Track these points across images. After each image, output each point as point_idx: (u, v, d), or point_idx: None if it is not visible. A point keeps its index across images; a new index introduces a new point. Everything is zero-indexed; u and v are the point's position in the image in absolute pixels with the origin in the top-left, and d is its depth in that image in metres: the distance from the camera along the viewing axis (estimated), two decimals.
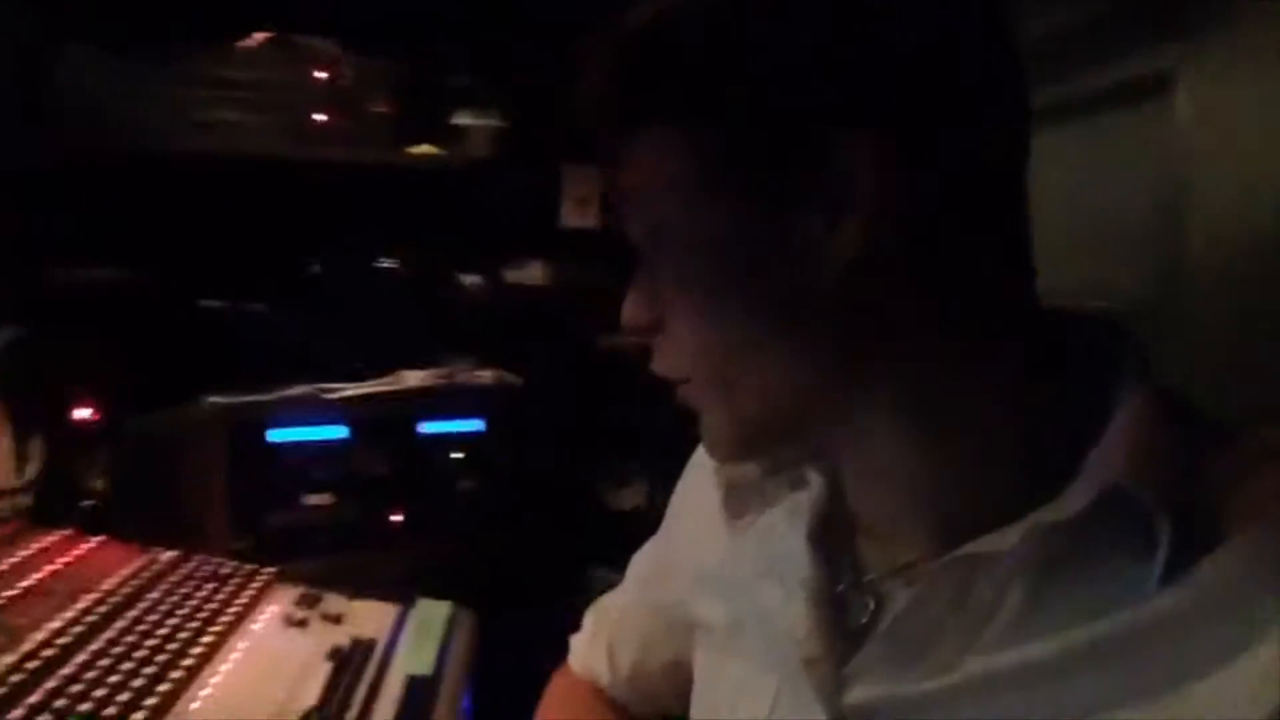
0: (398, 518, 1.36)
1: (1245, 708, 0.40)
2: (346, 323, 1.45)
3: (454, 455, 1.41)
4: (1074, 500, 0.45)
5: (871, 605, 0.55)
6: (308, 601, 1.04)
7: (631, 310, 0.56)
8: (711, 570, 0.69)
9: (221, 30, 1.49)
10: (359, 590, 1.09)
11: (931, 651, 0.50)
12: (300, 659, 0.89)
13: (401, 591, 1.11)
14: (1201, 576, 0.42)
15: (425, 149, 1.52)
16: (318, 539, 1.29)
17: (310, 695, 0.82)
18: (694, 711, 0.69)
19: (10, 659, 0.75)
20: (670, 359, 0.55)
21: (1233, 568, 0.42)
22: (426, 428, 1.39)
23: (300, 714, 0.79)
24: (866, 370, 0.49)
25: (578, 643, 0.88)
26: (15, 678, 0.73)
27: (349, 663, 0.90)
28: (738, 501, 0.66)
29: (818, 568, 0.57)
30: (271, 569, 1.07)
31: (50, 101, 1.36)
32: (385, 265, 1.55)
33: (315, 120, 1.47)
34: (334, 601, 1.05)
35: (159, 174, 1.38)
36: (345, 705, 0.82)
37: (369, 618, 1.03)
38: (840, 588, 0.57)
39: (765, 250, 0.49)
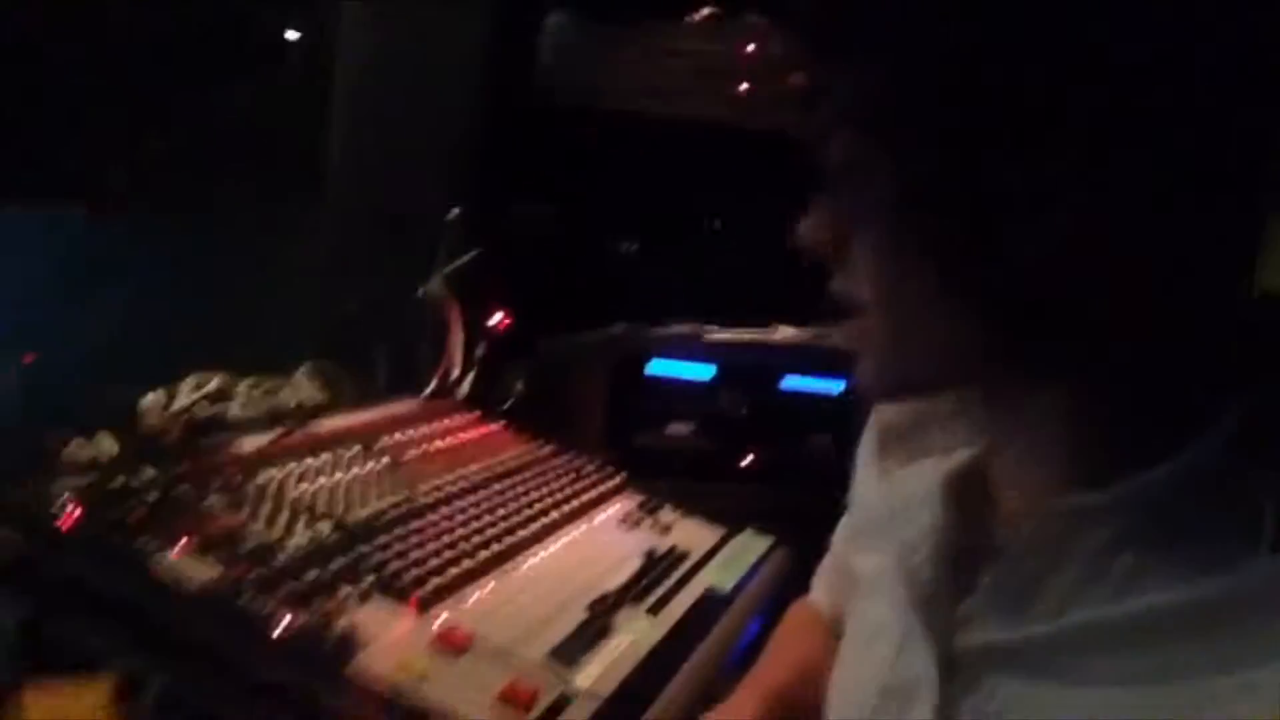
0: (749, 459, 1.48)
1: None
2: (739, 274, 1.58)
3: (812, 410, 1.49)
4: (1178, 466, 0.45)
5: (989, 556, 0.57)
6: (647, 508, 1.19)
7: (811, 231, 0.57)
8: (862, 521, 0.72)
9: (674, 3, 1.67)
10: (696, 510, 1.23)
11: (1037, 600, 0.51)
12: (621, 552, 1.05)
13: (734, 521, 1.23)
14: None
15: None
16: (673, 463, 1.45)
17: (615, 581, 0.97)
18: (838, 661, 0.72)
19: (403, 496, 0.98)
20: (852, 284, 0.55)
21: None
22: (789, 381, 1.49)
23: (601, 593, 0.93)
24: (1035, 354, 0.50)
25: (816, 573, 0.94)
26: (403, 509, 0.95)
27: (659, 564, 1.03)
28: (889, 447, 0.68)
29: (948, 515, 0.59)
30: (625, 475, 1.25)
31: (529, 62, 1.63)
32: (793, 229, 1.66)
33: (740, 89, 1.60)
34: (669, 514, 1.19)
35: (602, 128, 1.59)
36: (645, 593, 0.96)
37: (695, 534, 1.16)
38: (973, 546, 0.58)
39: (964, 217, 0.49)
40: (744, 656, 0.97)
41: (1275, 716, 0.41)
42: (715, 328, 1.47)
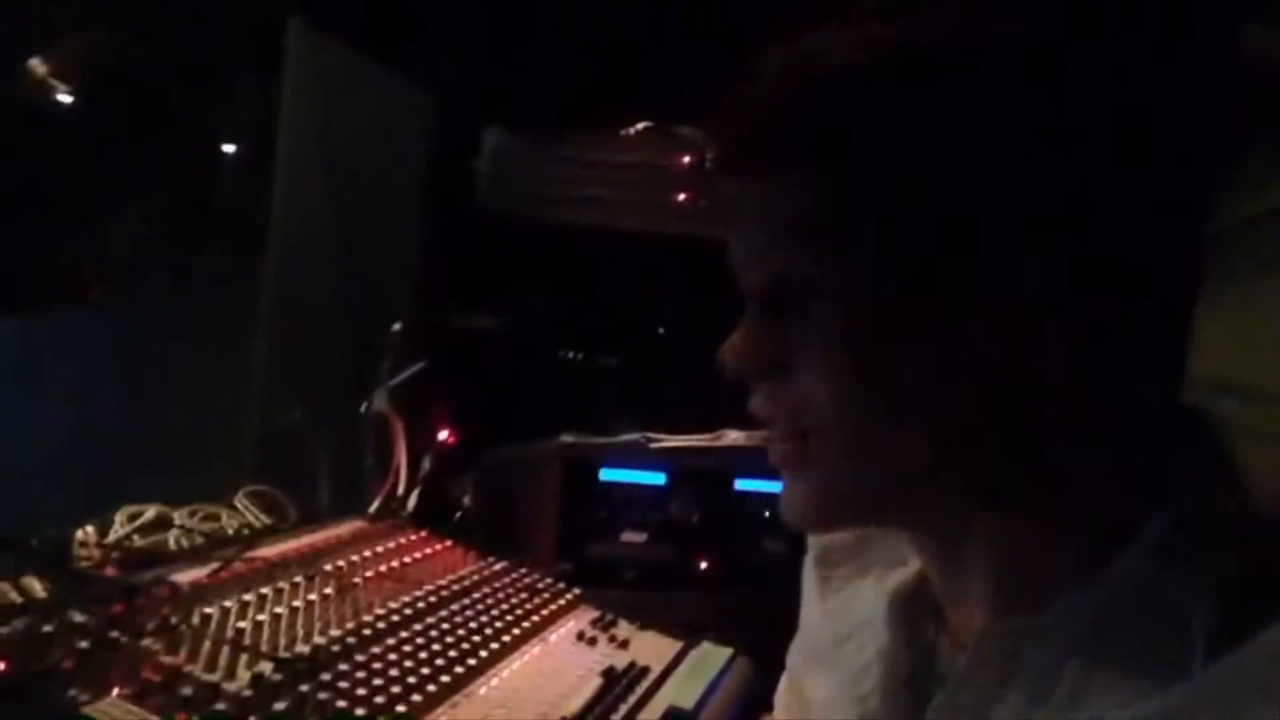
0: (704, 565, 1.46)
1: None
2: (684, 381, 1.58)
3: (764, 513, 1.48)
4: (1108, 584, 0.46)
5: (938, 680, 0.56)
6: (602, 624, 1.16)
7: (741, 351, 0.57)
8: (811, 643, 0.72)
9: (609, 118, 1.71)
10: (652, 624, 1.20)
11: None
12: (579, 671, 1.01)
13: (692, 632, 1.20)
14: (1229, 666, 0.43)
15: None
16: (629, 573, 1.43)
17: (576, 704, 0.94)
18: None
19: (351, 625, 0.94)
20: (789, 406, 0.55)
21: (1257, 659, 0.42)
22: (741, 484, 1.49)
23: (561, 716, 0.90)
24: (988, 461, 0.51)
25: (777, 692, 0.93)
26: (350, 640, 0.91)
27: (618, 683, 1.00)
28: (829, 566, 0.68)
29: (896, 638, 0.59)
30: (579, 591, 1.22)
31: (468, 175, 1.64)
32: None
33: (677, 199, 1.63)
34: (625, 628, 1.17)
35: (542, 239, 1.60)
36: (604, 718, 0.93)
37: (652, 648, 1.13)
38: (922, 671, 0.58)
39: (914, 325, 0.51)
40: None
41: None
42: (663, 435, 1.46)
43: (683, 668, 1.11)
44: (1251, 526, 0.49)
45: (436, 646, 0.95)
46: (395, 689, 0.84)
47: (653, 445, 1.45)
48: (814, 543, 0.73)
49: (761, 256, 0.55)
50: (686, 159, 1.63)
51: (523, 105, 1.68)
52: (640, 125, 1.68)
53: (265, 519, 1.38)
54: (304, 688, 0.80)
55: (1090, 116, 0.48)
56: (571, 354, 1.60)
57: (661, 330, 1.63)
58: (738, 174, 0.57)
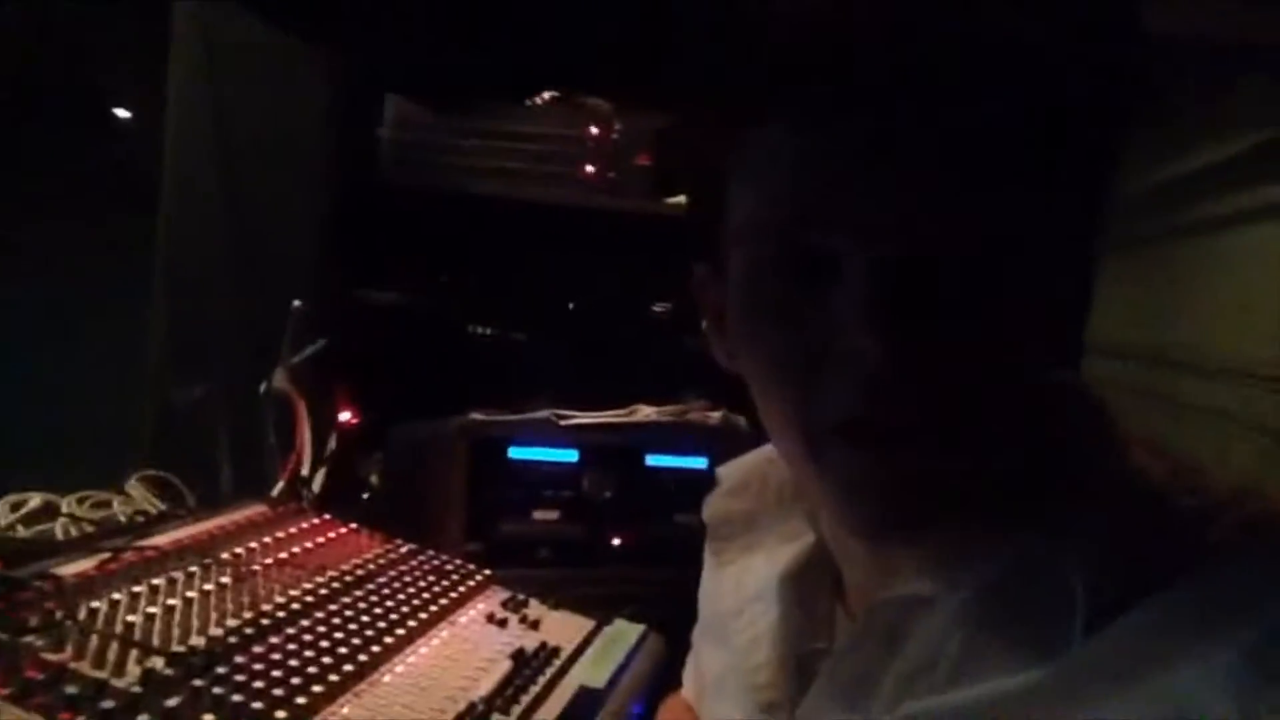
0: (618, 541, 1.46)
1: None
2: (595, 357, 1.57)
3: (677, 488, 1.48)
4: (997, 562, 0.46)
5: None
6: (513, 605, 1.15)
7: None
8: (705, 618, 0.72)
9: (516, 88, 1.68)
10: (565, 602, 1.19)
11: (872, 694, 0.51)
12: (487, 654, 1.00)
13: (604, 609, 1.20)
14: (1110, 638, 0.44)
15: (681, 200, 1.62)
16: (541, 551, 1.42)
17: (485, 687, 0.92)
18: None
19: (249, 615, 0.91)
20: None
21: (1135, 632, 0.43)
22: (653, 460, 1.48)
23: (469, 702, 0.89)
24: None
25: (685, 666, 0.93)
26: (249, 630, 0.88)
27: (529, 664, 0.99)
28: (721, 540, 0.68)
29: (786, 614, 0.59)
30: (489, 571, 1.20)
31: (370, 146, 1.59)
32: (651, 308, 1.67)
33: (585, 171, 1.61)
34: (536, 608, 1.15)
35: (448, 212, 1.56)
36: (513, 701, 0.91)
37: (564, 628, 1.12)
38: (819, 645, 0.58)
39: (775, 313, 0.51)
40: None
41: None
42: (573, 412, 1.45)
43: (594, 647, 1.10)
44: (1132, 494, 0.50)
45: (339, 635, 0.92)
46: (295, 680, 0.81)
47: (563, 422, 1.43)
48: (708, 517, 0.73)
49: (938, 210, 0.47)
50: (595, 130, 1.61)
51: (427, 73, 1.64)
52: (547, 95, 1.65)
53: (160, 505, 1.32)
54: (198, 683, 0.77)
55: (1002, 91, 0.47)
56: (480, 330, 1.57)
57: (571, 305, 1.61)
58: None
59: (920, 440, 0.47)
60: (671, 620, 1.20)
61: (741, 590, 0.64)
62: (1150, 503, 0.49)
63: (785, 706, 0.57)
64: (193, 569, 0.98)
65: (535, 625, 1.11)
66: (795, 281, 0.48)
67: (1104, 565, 0.46)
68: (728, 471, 0.76)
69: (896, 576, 0.54)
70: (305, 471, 1.43)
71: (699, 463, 1.49)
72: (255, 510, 1.23)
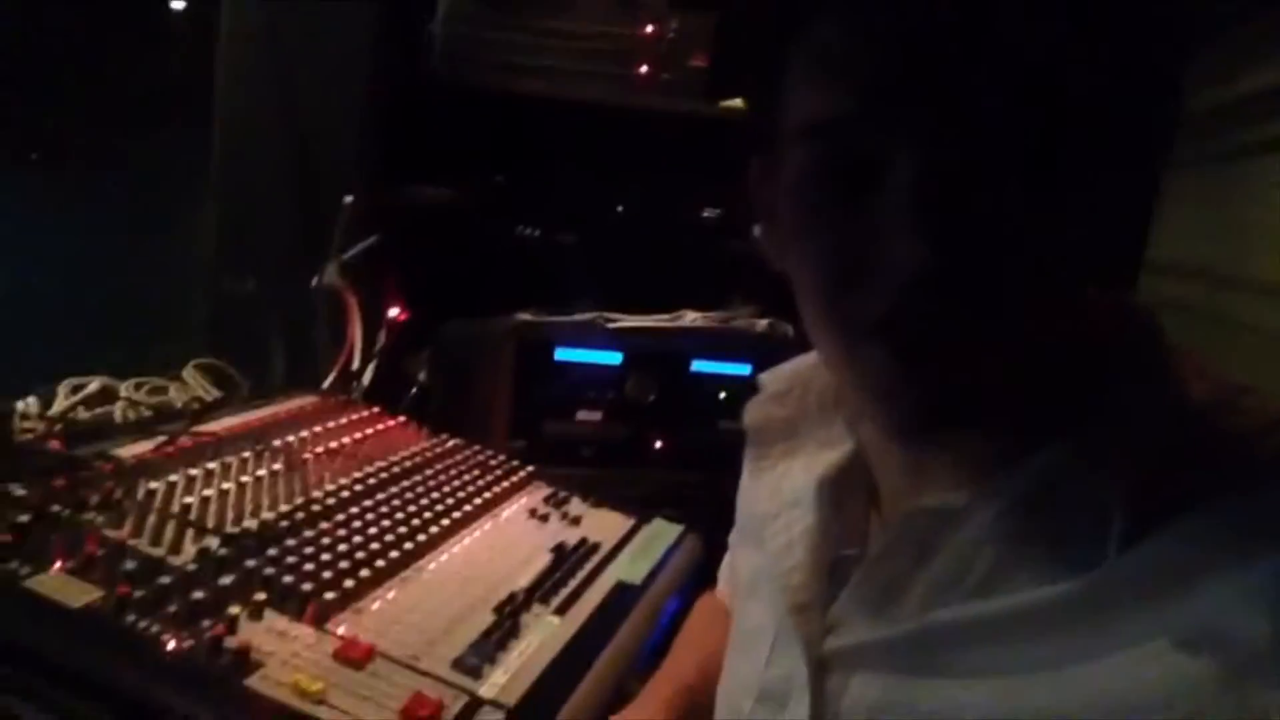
0: (659, 444, 1.47)
1: (1166, 687, 0.42)
2: (643, 261, 1.56)
3: (720, 394, 1.49)
4: (1031, 473, 0.46)
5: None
6: (555, 500, 1.17)
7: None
8: (742, 520, 0.73)
9: None
10: (605, 501, 1.21)
11: (902, 601, 0.52)
12: (529, 548, 1.03)
13: (643, 509, 1.22)
14: (1146, 552, 0.44)
15: (736, 103, 1.59)
16: (583, 451, 1.44)
17: (525, 579, 0.95)
18: (725, 659, 0.73)
19: (300, 501, 0.94)
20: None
21: (1172, 547, 0.43)
22: (698, 365, 1.49)
23: (509, 592, 0.91)
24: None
25: (721, 567, 0.95)
26: (299, 515, 0.91)
27: (568, 558, 1.02)
28: (762, 445, 0.68)
29: (821, 520, 0.59)
30: (532, 468, 1.22)
31: (423, 43, 1.57)
32: (704, 215, 1.65)
33: (639, 71, 1.58)
34: (578, 505, 1.18)
35: (499, 111, 1.55)
36: (552, 594, 0.94)
37: (604, 525, 1.15)
38: (848, 552, 0.59)
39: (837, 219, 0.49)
40: (657, 649, 0.96)
41: (1118, 702, 0.43)
42: (620, 315, 1.45)
43: (633, 544, 1.12)
44: (1174, 411, 0.49)
45: (386, 523, 0.95)
46: (343, 564, 0.84)
47: (609, 325, 1.43)
48: (749, 422, 0.73)
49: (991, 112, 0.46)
50: (649, 29, 1.57)
51: None
52: None
53: (215, 393, 1.36)
54: (250, 563, 0.80)
55: None
56: (528, 230, 1.57)
57: (620, 209, 1.60)
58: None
59: (957, 346, 0.46)
60: (709, 522, 1.22)
61: (779, 495, 0.64)
62: (1193, 421, 0.49)
63: (817, 608, 0.58)
64: (246, 455, 1.01)
65: (576, 521, 1.13)
66: (845, 184, 0.47)
67: (1141, 481, 0.45)
68: (770, 378, 0.76)
69: (930, 484, 0.54)
70: (355, 365, 1.46)
71: (743, 369, 1.49)
72: (307, 401, 1.27)
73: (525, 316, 1.45)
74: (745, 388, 1.49)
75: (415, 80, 1.53)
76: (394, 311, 1.44)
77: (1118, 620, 0.44)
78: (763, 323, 1.49)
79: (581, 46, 1.58)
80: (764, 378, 0.77)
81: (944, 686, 0.50)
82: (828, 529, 0.60)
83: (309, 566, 0.82)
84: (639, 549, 1.12)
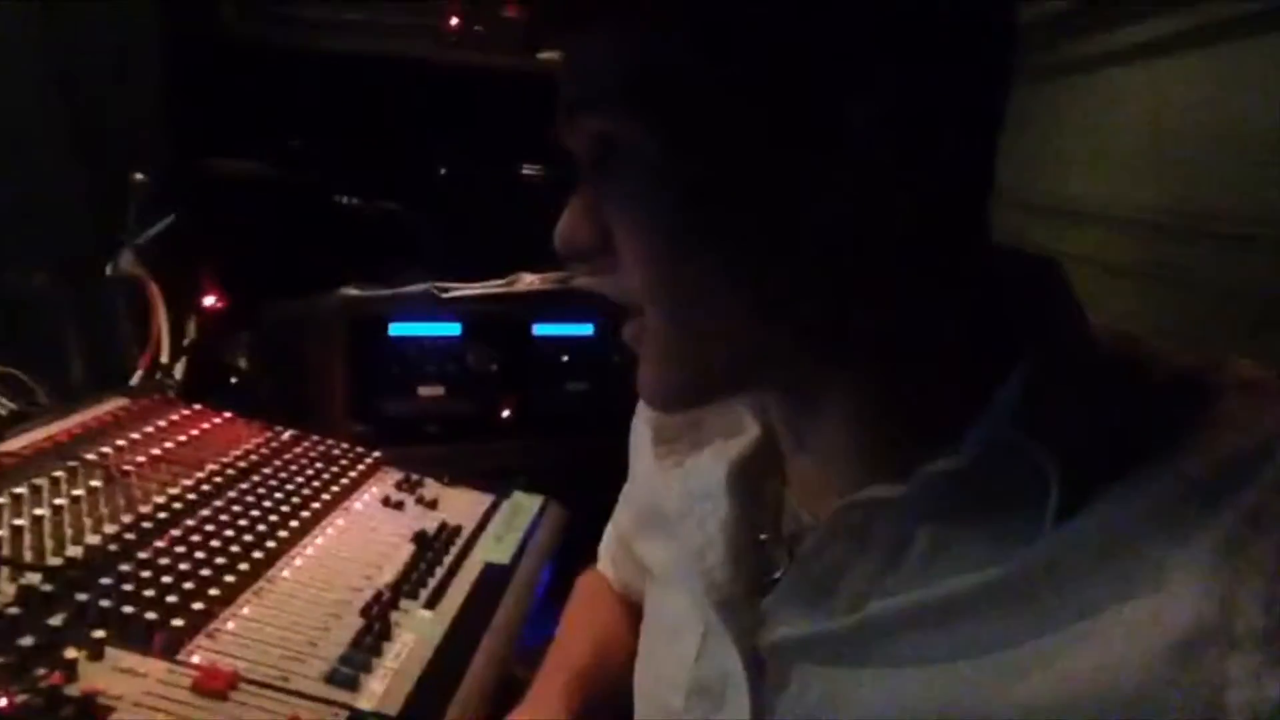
0: (507, 413, 1.43)
1: (1113, 662, 0.41)
2: (472, 225, 1.50)
3: (564, 357, 1.46)
4: (965, 451, 0.45)
5: (787, 551, 0.56)
6: (407, 485, 1.12)
7: (569, 230, 0.52)
8: (647, 513, 0.71)
9: None
10: (460, 479, 1.16)
11: (838, 592, 0.51)
12: (389, 538, 0.97)
13: (501, 483, 1.17)
14: (1084, 524, 0.43)
15: (555, 55, 1.53)
16: (429, 428, 1.38)
17: (390, 573, 0.90)
18: (640, 649, 0.72)
19: (128, 519, 0.85)
20: (624, 286, 0.51)
21: (1110, 516, 0.43)
22: (540, 329, 1.45)
23: (375, 590, 0.86)
24: (829, 323, 0.48)
25: (601, 546, 0.93)
26: (129, 535, 0.82)
27: (432, 545, 0.97)
28: (665, 442, 0.66)
29: (736, 510, 0.58)
30: (379, 453, 1.16)
31: None
32: (525, 171, 1.59)
33: (449, 24, 1.50)
34: (432, 487, 1.13)
35: (303, 71, 1.44)
36: (420, 585, 0.89)
37: (462, 505, 1.10)
38: (763, 537, 0.58)
39: (742, 185, 0.46)
40: (536, 625, 0.93)
41: (1064, 682, 0.43)
42: (454, 284, 1.39)
43: (495, 522, 1.09)
44: (1100, 376, 0.48)
45: (229, 531, 0.88)
46: (188, 584, 0.77)
47: (444, 295, 1.37)
48: (650, 417, 0.70)
49: (579, 116, 0.49)
50: None
51: None
52: None
53: (10, 406, 1.21)
54: (81, 596, 0.72)
55: None
56: (347, 199, 1.47)
57: (444, 171, 1.53)
58: (555, 21, 0.49)
59: (919, 300, 0.46)
60: (567, 488, 1.19)
61: (689, 489, 0.62)
62: (1112, 378, 0.48)
63: (744, 599, 0.56)
64: (58, 473, 0.90)
65: (433, 505, 1.08)
66: (788, 148, 0.44)
67: (1074, 448, 0.44)
68: None
69: (854, 463, 0.52)
70: (165, 359, 1.34)
71: (585, 329, 1.46)
72: (116, 404, 1.15)
73: (352, 292, 1.37)
74: (589, 348, 1.48)
75: (203, 38, 1.40)
76: (207, 298, 1.33)
77: (1058, 597, 0.43)
78: None
79: None
80: None
81: (886, 676, 0.49)
82: (743, 518, 0.58)
83: (149, 592, 0.75)
84: (502, 526, 1.08)
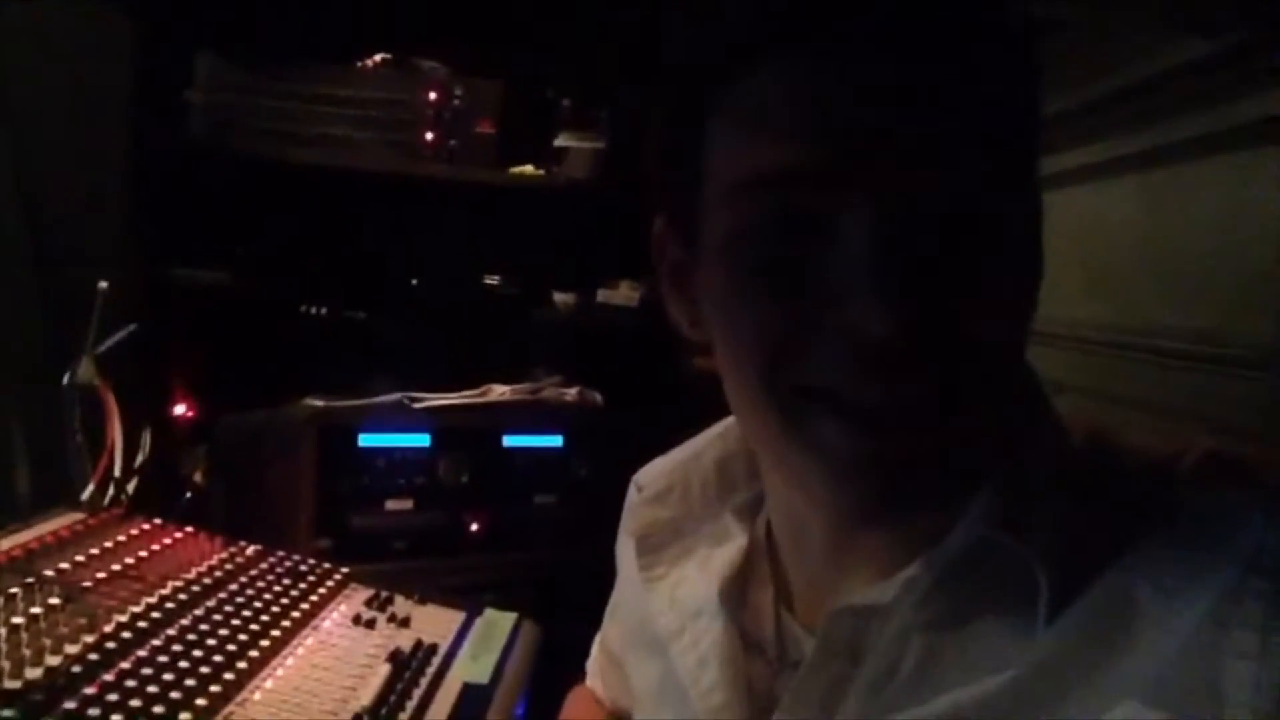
0: (476, 527, 1.39)
1: None
2: (442, 336, 1.49)
3: (534, 469, 1.43)
4: (948, 553, 0.45)
5: (782, 668, 0.55)
6: (378, 603, 1.07)
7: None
8: (635, 632, 0.69)
9: (343, 50, 1.56)
10: (431, 595, 1.12)
11: (840, 710, 0.49)
12: (362, 659, 0.92)
13: (471, 599, 1.13)
14: (1075, 620, 0.43)
15: (527, 169, 1.56)
16: (397, 543, 1.34)
17: (367, 695, 0.85)
18: None
19: (89, 639, 0.80)
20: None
21: (1096, 612, 0.43)
22: (509, 440, 1.42)
23: (353, 714, 0.81)
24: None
25: (590, 660, 0.90)
26: (92, 656, 0.77)
27: (408, 666, 0.92)
28: (650, 553, 0.65)
29: (730, 630, 0.56)
30: (346, 569, 1.11)
31: (178, 107, 1.44)
32: (487, 282, 1.59)
33: (424, 139, 1.52)
34: (403, 605, 1.08)
35: (273, 183, 1.44)
36: (399, 708, 0.84)
37: (435, 623, 1.06)
38: (764, 657, 0.56)
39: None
40: None
41: None
42: (424, 394, 1.37)
43: (470, 640, 1.04)
44: (1075, 474, 0.49)
45: (196, 653, 0.83)
46: (156, 708, 0.72)
47: (416, 405, 1.35)
48: (634, 529, 0.68)
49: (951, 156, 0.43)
50: (432, 95, 1.52)
51: (241, 29, 1.49)
52: (379, 57, 1.54)
53: None
54: None
55: None
56: (314, 309, 1.45)
57: (415, 281, 1.52)
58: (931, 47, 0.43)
59: (921, 418, 0.44)
60: (539, 603, 1.15)
61: (679, 606, 0.60)
62: (1088, 468, 0.49)
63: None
64: (13, 590, 0.85)
65: (405, 623, 1.03)
66: (789, 244, 0.44)
67: (1058, 541, 0.44)
68: (648, 477, 0.71)
69: (856, 566, 0.52)
70: (118, 472, 1.29)
71: (555, 441, 1.44)
72: (69, 519, 1.09)
73: (317, 402, 1.34)
74: (557, 460, 1.46)
75: (172, 150, 1.40)
76: (174, 409, 1.29)
77: (1062, 695, 0.42)
78: (571, 391, 1.45)
79: (359, 114, 1.50)
80: (639, 478, 0.73)
81: None
82: (736, 638, 0.56)
83: (116, 717, 0.69)
84: (478, 644, 1.03)
